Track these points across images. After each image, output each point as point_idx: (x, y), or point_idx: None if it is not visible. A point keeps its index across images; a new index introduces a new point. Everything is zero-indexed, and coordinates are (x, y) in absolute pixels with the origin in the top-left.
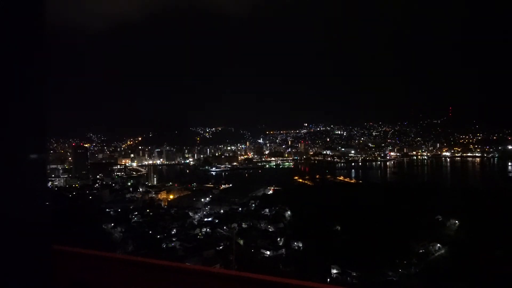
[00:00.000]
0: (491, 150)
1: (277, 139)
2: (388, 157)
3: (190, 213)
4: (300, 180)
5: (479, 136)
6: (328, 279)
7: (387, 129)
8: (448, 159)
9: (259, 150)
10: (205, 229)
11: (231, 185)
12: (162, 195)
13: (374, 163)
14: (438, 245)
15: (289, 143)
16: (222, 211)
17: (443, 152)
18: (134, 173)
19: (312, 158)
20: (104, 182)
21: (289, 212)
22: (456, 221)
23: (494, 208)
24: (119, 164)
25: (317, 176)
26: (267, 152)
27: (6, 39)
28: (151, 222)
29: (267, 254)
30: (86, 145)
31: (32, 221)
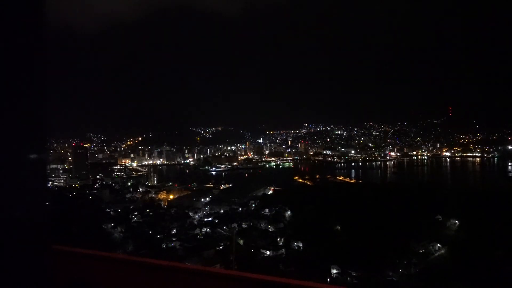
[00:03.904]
0: (491, 150)
1: (277, 139)
2: (388, 157)
3: (190, 213)
4: (300, 180)
5: (479, 136)
6: (328, 279)
7: (387, 129)
8: (448, 159)
9: (259, 150)
10: (205, 229)
11: (231, 185)
12: (162, 195)
13: (374, 163)
14: (438, 245)
15: (289, 143)
16: (222, 211)
17: (443, 152)
18: (134, 173)
19: (312, 158)
20: (104, 182)
21: (289, 212)
22: (456, 221)
23: (494, 208)
24: (119, 164)
25: (317, 176)
26: (267, 152)
27: (6, 39)
28: (151, 222)
29: (267, 254)
30: (86, 145)
31: (32, 221)
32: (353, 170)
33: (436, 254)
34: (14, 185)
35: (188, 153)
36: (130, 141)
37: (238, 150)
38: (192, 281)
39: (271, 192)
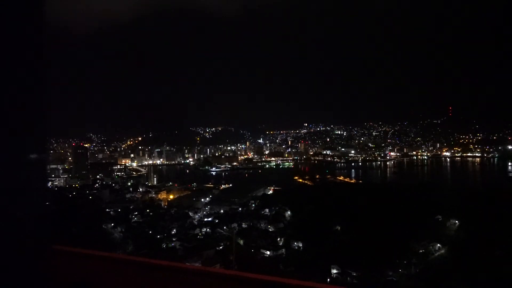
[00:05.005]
0: (491, 150)
1: (277, 139)
2: (388, 157)
3: (190, 213)
4: (300, 180)
5: (479, 136)
6: (328, 279)
7: (387, 129)
8: (448, 159)
9: (259, 150)
10: (205, 229)
11: (231, 185)
12: (162, 195)
13: (374, 163)
14: (438, 245)
15: (289, 143)
16: (222, 211)
17: (443, 152)
18: (134, 173)
19: (312, 158)
20: (104, 182)
21: (289, 212)
22: (456, 221)
23: (494, 208)
24: (119, 164)
25: (317, 176)
26: (267, 152)
27: (6, 39)
28: (151, 222)
29: (267, 254)
30: (86, 145)
31: (32, 221)
32: (353, 170)
33: (436, 254)
34: (14, 185)
35: (188, 153)
36: (130, 141)
37: (238, 150)
38: (192, 281)
39: (271, 192)
